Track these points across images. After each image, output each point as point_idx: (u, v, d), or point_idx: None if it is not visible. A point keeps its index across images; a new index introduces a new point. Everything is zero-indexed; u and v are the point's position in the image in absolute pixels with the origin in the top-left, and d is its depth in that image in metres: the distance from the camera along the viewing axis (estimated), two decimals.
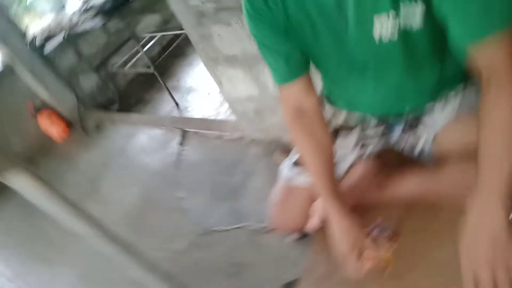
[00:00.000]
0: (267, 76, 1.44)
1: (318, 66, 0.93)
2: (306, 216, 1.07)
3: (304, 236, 1.19)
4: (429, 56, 0.78)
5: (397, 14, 0.68)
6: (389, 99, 0.90)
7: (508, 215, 0.62)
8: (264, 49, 0.88)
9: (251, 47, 1.36)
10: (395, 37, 0.71)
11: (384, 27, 0.71)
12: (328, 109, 1.07)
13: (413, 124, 0.98)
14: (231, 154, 1.84)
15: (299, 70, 0.89)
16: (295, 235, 1.22)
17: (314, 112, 0.93)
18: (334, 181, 0.94)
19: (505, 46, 0.63)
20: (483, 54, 0.65)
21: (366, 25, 0.72)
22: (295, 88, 0.91)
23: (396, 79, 0.83)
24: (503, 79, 0.64)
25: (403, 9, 0.67)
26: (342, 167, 1.04)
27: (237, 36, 1.36)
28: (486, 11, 0.62)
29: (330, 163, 0.95)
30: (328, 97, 1.07)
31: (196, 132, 2.14)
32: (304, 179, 1.03)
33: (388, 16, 0.68)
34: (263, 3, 0.78)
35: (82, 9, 2.74)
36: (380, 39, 0.73)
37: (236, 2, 1.22)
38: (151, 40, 2.69)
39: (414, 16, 0.68)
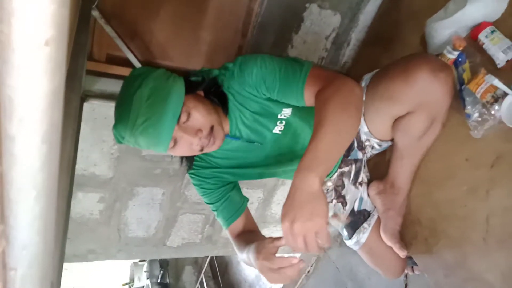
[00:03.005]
0: None
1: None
2: None
3: None
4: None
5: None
6: None
7: (321, 185, 0.77)
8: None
9: None
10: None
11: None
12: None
13: (358, 144, 1.29)
14: None
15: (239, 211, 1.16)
16: None
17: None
18: None
19: (313, 79, 0.96)
20: (309, 93, 0.96)
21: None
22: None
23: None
24: (325, 88, 0.92)
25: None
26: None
27: None
28: (291, 84, 0.97)
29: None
30: None
31: None
32: None
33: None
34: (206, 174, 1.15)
35: None
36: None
37: None
38: None
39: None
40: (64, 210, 0.58)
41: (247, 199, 1.21)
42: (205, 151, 0.99)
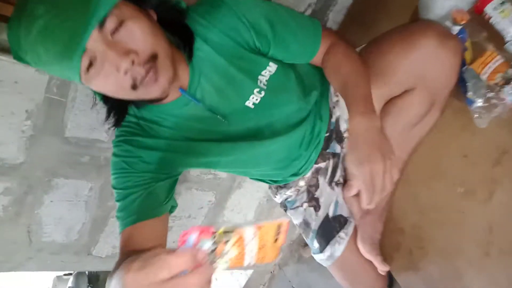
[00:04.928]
0: None
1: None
2: None
3: None
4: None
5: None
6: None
7: (379, 120, 0.79)
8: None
9: None
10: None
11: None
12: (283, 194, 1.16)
13: (337, 135, 1.07)
14: None
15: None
16: None
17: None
18: None
19: (326, 36, 0.92)
20: (322, 49, 0.92)
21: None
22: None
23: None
24: (337, 43, 0.92)
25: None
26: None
27: None
28: (305, 35, 0.89)
29: None
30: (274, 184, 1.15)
31: None
32: None
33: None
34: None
35: None
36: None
37: None
38: None
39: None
40: None
41: (174, 205, 0.89)
42: (140, 93, 0.70)
